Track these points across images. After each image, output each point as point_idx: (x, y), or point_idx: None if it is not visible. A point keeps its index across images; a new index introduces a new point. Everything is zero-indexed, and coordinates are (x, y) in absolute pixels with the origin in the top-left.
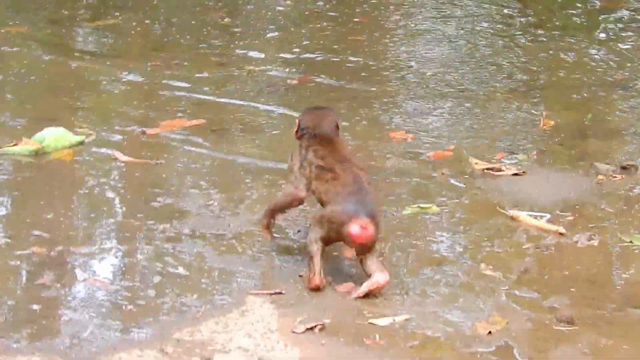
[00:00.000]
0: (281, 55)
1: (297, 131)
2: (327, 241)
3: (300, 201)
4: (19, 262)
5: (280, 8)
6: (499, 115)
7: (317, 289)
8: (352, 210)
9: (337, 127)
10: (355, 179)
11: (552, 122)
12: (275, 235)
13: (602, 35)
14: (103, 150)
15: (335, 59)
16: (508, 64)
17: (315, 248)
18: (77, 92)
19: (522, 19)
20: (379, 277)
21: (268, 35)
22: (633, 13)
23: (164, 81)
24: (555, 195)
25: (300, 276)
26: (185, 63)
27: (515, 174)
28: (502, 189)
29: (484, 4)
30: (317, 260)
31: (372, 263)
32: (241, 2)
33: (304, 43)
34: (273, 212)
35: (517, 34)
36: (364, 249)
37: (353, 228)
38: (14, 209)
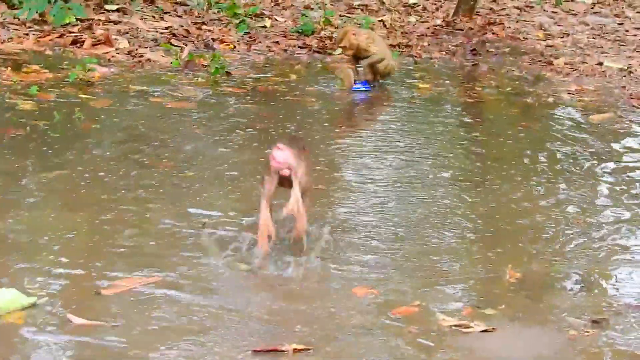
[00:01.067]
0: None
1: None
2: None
3: None
4: None
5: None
6: (464, 268)
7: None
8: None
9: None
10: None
11: (518, 275)
12: None
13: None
14: (56, 311)
15: None
16: (470, 215)
17: (263, 200)
18: (27, 249)
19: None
20: (289, 203)
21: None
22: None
23: (115, 235)
24: (529, 353)
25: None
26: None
27: (485, 331)
28: (472, 347)
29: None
30: (263, 208)
31: (291, 195)
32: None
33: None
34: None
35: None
36: (284, 179)
37: (271, 153)
38: None
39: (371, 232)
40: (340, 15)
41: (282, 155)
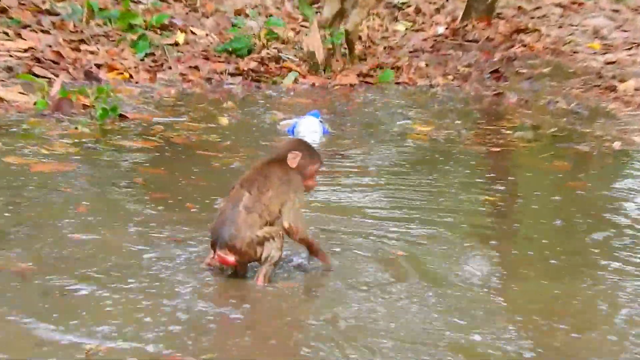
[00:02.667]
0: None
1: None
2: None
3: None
4: None
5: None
6: None
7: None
8: (212, 242)
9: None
10: (231, 202)
11: None
12: None
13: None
14: None
15: None
16: None
17: None
18: None
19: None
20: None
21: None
22: None
23: None
24: None
25: None
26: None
27: None
28: None
29: None
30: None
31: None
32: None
33: None
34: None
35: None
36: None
37: (219, 260)
38: None
39: None
40: (290, 24)
41: (229, 263)
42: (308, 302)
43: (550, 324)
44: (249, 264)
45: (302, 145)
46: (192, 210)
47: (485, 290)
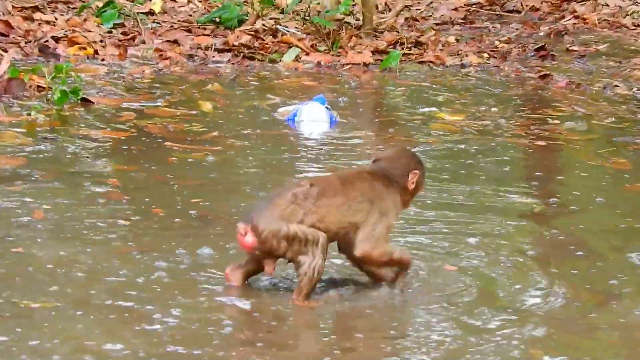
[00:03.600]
0: None
1: None
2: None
3: None
4: None
5: None
6: None
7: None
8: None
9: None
10: (286, 187)
11: None
12: None
13: None
14: None
15: None
16: None
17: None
18: None
19: None
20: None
21: None
22: None
23: None
24: None
25: None
26: None
27: None
28: None
29: None
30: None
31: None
32: None
33: None
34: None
35: None
36: (268, 257)
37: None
38: None
39: None
40: None
41: (244, 244)
42: None
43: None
44: (277, 264)
45: (418, 161)
46: (160, 215)
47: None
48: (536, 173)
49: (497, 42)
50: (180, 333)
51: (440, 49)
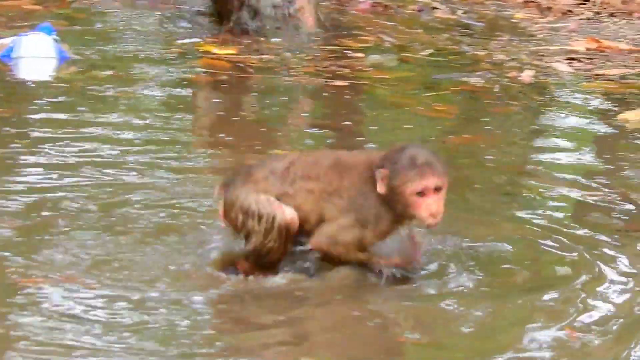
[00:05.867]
0: None
1: None
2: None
3: None
4: None
5: None
6: None
7: None
8: None
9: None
10: (273, 158)
11: None
12: None
13: None
14: None
15: None
16: None
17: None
18: None
19: None
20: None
21: None
22: None
23: None
24: None
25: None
26: None
27: None
28: None
29: None
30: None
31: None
32: None
33: None
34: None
35: None
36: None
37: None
38: None
39: None
40: None
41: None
42: None
43: None
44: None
45: (391, 158)
46: None
47: None
48: (326, 125)
49: None
50: None
51: None
